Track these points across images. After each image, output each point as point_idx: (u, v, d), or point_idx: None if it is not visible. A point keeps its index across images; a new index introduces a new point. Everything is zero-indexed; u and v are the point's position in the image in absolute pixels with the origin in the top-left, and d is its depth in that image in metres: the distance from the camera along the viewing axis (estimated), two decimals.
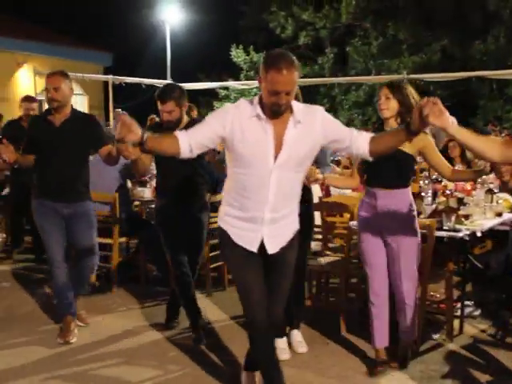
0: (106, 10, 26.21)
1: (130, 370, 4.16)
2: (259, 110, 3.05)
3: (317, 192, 6.45)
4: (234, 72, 22.80)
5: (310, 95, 19.68)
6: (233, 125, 3.05)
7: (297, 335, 4.50)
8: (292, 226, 3.32)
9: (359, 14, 21.16)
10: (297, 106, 3.11)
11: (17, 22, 19.74)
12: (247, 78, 22.03)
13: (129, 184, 6.40)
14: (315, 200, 5.51)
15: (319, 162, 4.05)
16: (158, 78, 18.69)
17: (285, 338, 4.39)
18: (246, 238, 3.23)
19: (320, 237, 5.39)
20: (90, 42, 20.82)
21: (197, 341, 4.55)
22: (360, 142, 3.15)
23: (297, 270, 4.39)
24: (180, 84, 17.05)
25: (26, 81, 18.43)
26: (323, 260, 5.09)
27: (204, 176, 4.67)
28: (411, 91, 3.90)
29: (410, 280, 3.99)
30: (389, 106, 3.90)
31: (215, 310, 5.33)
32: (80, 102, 20.60)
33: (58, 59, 18.56)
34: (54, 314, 4.97)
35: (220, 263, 5.82)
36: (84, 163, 4.69)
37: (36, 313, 5.27)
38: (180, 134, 3.08)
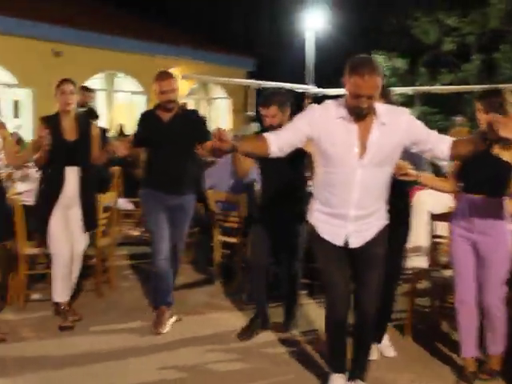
0: (250, 16, 26.86)
1: (242, 368, 4.23)
2: (344, 112, 3.21)
3: (448, 203, 6.24)
4: None
5: (453, 102, 19.04)
6: (319, 125, 3.24)
7: (384, 339, 4.44)
8: (378, 222, 3.43)
9: (507, 19, 20.11)
10: (380, 108, 3.25)
11: (165, 28, 20.70)
12: (389, 84, 21.62)
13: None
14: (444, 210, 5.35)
15: (415, 165, 3.97)
16: (299, 83, 18.93)
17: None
18: (332, 232, 3.41)
19: (447, 248, 5.20)
20: (234, 48, 21.39)
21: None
22: (442, 145, 3.28)
23: (388, 277, 4.33)
24: (321, 89, 17.22)
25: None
26: (447, 273, 4.90)
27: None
28: (506, 100, 3.73)
29: (495, 290, 3.85)
30: (483, 120, 3.78)
31: None
32: (223, 105, 21.34)
33: (202, 64, 19.28)
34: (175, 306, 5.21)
35: None
36: (191, 157, 4.90)
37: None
38: (269, 135, 3.30)
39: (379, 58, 22.26)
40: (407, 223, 4.36)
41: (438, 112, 19.88)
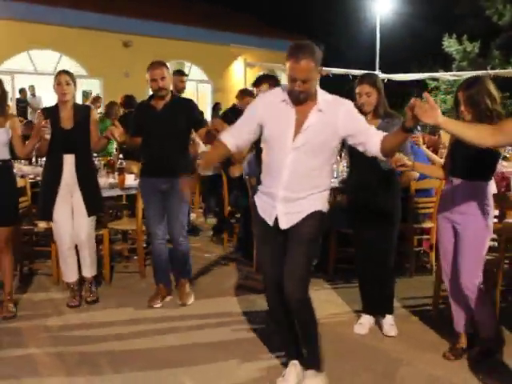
0: (315, 2, 26.73)
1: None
2: (286, 96, 3.31)
3: None
4: (446, 62, 22.00)
5: None
6: (265, 110, 3.38)
7: (388, 318, 4.51)
8: (310, 207, 3.41)
9: None
10: (323, 96, 3.33)
11: (231, 16, 20.92)
12: (459, 69, 21.12)
13: None
14: None
15: (403, 151, 4.03)
16: (367, 69, 18.75)
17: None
18: (266, 211, 3.49)
19: None
20: (300, 34, 21.35)
21: None
22: (375, 141, 3.28)
23: (383, 259, 4.43)
24: (388, 75, 16.67)
25: (239, 72, 19.55)
26: None
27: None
28: (485, 88, 3.69)
29: (467, 271, 3.82)
30: (462, 109, 3.78)
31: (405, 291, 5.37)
32: None
33: (267, 51, 19.40)
34: (238, 289, 5.47)
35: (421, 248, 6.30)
36: (184, 143, 5.03)
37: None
38: (224, 137, 3.49)
39: (451, 42, 21.78)
40: (397, 205, 4.42)
41: (510, 96, 19.29)
